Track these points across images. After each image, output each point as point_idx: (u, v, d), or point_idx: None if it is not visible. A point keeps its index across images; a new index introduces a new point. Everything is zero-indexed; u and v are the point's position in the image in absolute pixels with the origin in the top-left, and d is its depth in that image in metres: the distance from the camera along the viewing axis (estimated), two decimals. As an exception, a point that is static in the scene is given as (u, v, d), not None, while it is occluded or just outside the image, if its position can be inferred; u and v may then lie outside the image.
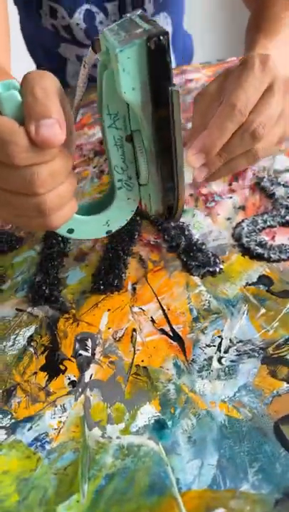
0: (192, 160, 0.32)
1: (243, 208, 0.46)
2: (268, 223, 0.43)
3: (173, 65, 0.80)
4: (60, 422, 0.28)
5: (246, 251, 0.40)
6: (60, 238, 0.45)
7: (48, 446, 0.27)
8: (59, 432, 0.28)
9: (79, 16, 0.66)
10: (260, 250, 0.39)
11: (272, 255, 0.39)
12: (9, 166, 0.26)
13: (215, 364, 0.30)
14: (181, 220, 0.45)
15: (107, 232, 0.35)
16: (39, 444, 0.27)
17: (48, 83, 0.26)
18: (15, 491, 0.25)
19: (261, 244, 0.40)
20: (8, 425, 0.29)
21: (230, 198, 0.47)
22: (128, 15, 0.28)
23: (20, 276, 0.42)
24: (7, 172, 0.26)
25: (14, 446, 0.27)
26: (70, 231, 0.33)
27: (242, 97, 0.31)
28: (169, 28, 0.75)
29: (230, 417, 0.27)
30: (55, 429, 0.28)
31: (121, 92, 0.26)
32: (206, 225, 0.44)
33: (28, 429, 0.28)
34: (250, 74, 0.31)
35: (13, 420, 0.29)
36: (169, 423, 0.27)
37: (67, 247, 0.45)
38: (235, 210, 0.46)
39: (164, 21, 0.72)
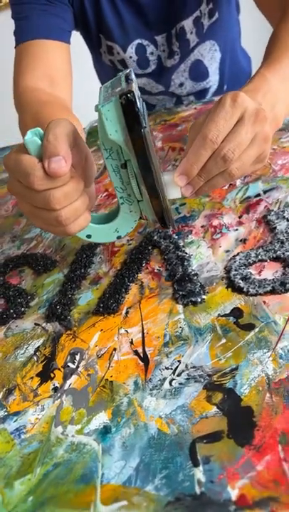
0: (177, 180, 0.41)
1: (244, 240, 0.49)
2: (260, 257, 0.46)
3: (225, 88, 0.85)
4: (37, 418, 0.37)
5: (231, 283, 0.44)
6: (83, 263, 0.54)
7: (22, 436, 0.35)
8: (34, 426, 0.36)
9: (131, 49, 0.76)
10: (241, 284, 0.43)
11: (250, 289, 0.42)
12: (33, 190, 0.37)
13: (166, 385, 0.36)
14: (187, 251, 0.51)
15: (117, 237, 0.46)
16: (17, 433, 0.36)
17: (59, 130, 0.36)
18: (-10, 465, 0.33)
19: (245, 278, 0.44)
20: (1, 416, 0.37)
21: (236, 230, 0.51)
22: (120, 73, 0.38)
23: (46, 296, 0.51)
24: (33, 194, 0.38)
25: (0, 432, 0.36)
26: (89, 236, 0.45)
27: (213, 129, 0.38)
28: (217, 55, 0.80)
29: (160, 431, 0.32)
30: (32, 423, 0.36)
31: (107, 134, 0.37)
32: (206, 256, 0.49)
33: (14, 421, 0.37)
34: (222, 109, 0.39)
35: (6, 413, 0.38)
36: (113, 429, 0.34)
37: (87, 272, 0.53)
38: (237, 242, 0.50)
39: (212, 49, 0.77)
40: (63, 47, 0.68)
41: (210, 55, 0.81)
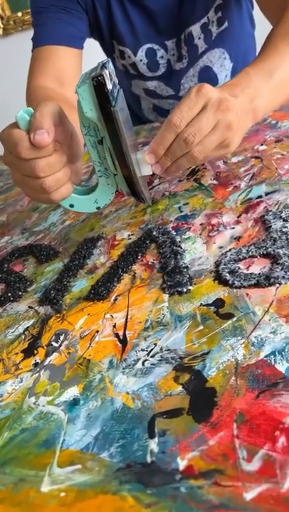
0: (147, 159, 0.47)
1: (238, 238, 0.50)
2: (250, 253, 0.47)
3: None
4: (14, 389, 0.38)
5: (218, 276, 0.45)
6: (82, 254, 0.56)
7: (-2, 404, 0.37)
8: (10, 395, 0.38)
9: (141, 53, 0.80)
10: (228, 277, 0.44)
11: (235, 282, 0.43)
12: (21, 159, 0.43)
13: (138, 365, 0.37)
14: (183, 246, 0.52)
15: (97, 208, 0.52)
16: (-6, 401, 0.38)
17: (46, 109, 0.43)
18: None
19: (232, 272, 0.45)
20: (-18, 385, 0.40)
21: (233, 228, 0.52)
22: (99, 62, 0.44)
23: (44, 282, 0.54)
24: (21, 163, 0.44)
25: (-21, 399, 0.38)
26: (71, 206, 0.51)
27: (177, 115, 0.44)
28: (227, 63, 0.82)
29: (124, 405, 0.33)
30: (9, 393, 0.38)
31: (84, 112, 0.43)
32: (200, 251, 0.50)
33: (-7, 390, 0.39)
34: (187, 98, 0.44)
35: (-13, 383, 0.40)
36: (81, 402, 0.35)
37: (85, 262, 0.55)
38: (231, 239, 0.50)
39: (221, 57, 0.80)
40: (74, 52, 0.73)
41: (219, 63, 0.83)
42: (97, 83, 0.40)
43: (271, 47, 0.52)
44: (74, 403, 0.35)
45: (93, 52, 0.89)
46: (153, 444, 0.30)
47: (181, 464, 0.28)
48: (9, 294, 0.52)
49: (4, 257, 0.62)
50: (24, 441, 0.33)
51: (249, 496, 0.25)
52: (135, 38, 0.79)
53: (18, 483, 0.30)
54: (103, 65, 0.42)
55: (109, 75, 0.43)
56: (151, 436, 0.30)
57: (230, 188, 0.61)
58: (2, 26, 1.91)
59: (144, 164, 0.48)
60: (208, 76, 0.85)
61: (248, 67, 0.50)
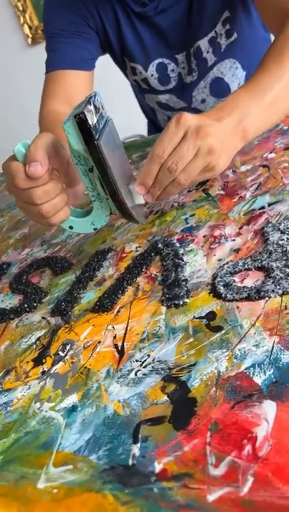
0: (138, 190, 0.51)
1: (237, 250, 0.53)
2: (246, 266, 0.49)
3: None
4: (23, 395, 0.43)
5: (214, 289, 0.48)
6: (93, 266, 0.60)
7: (8, 408, 0.42)
8: (18, 401, 0.43)
9: (152, 68, 0.83)
10: (222, 290, 0.47)
11: (228, 295, 0.46)
12: (19, 189, 0.48)
13: (132, 375, 0.41)
14: (185, 258, 0.55)
15: (94, 229, 0.57)
16: (5, 406, 0.42)
17: (40, 141, 0.48)
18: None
19: (227, 285, 0.48)
20: (-5, 391, 0.45)
21: (233, 240, 0.55)
22: (86, 95, 0.48)
23: (57, 294, 0.58)
24: (20, 192, 0.49)
25: (-8, 404, 0.43)
26: (71, 227, 0.56)
27: (159, 146, 0.48)
28: (239, 72, 0.84)
29: (115, 412, 0.37)
30: (18, 399, 0.43)
31: (71, 145, 0.47)
32: (200, 263, 0.53)
33: (5, 396, 0.44)
34: (167, 130, 0.48)
35: (0, 389, 0.45)
36: (79, 408, 0.39)
37: (95, 274, 0.59)
38: (230, 252, 0.53)
39: (232, 67, 0.82)
40: (84, 75, 0.78)
41: (231, 73, 0.85)
42: (79, 120, 0.44)
43: (263, 67, 0.54)
44: (72, 409, 0.39)
45: (108, 69, 0.94)
46: (136, 449, 0.33)
47: (157, 467, 0.31)
48: (26, 305, 0.57)
49: (24, 268, 0.68)
50: (27, 442, 0.37)
51: (211, 497, 0.28)
52: (145, 54, 0.82)
53: (19, 480, 0.34)
54: (88, 100, 0.46)
55: (95, 109, 0.47)
56: (135, 441, 0.34)
57: (235, 199, 0.64)
58: (30, 36, 1.99)
59: (137, 194, 0.52)
60: (219, 87, 0.87)
61: (239, 89, 0.53)
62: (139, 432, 0.35)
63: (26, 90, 2.19)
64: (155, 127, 1.03)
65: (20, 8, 1.92)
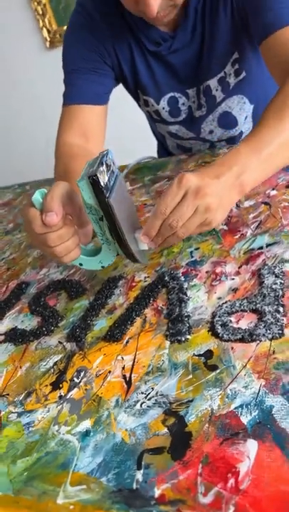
0: (142, 239, 0.58)
1: (235, 290, 0.59)
2: (242, 307, 0.56)
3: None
4: (43, 417, 0.50)
5: (212, 328, 0.54)
6: (105, 294, 0.67)
7: (30, 429, 0.49)
8: (39, 422, 0.50)
9: (163, 102, 0.89)
10: (219, 330, 0.53)
11: (225, 335, 0.53)
12: (36, 233, 0.55)
13: (137, 406, 0.48)
14: (188, 293, 0.62)
15: (102, 267, 0.64)
16: (27, 426, 0.50)
17: (56, 192, 0.55)
18: (4, 447, 0.47)
19: (224, 325, 0.54)
20: (19, 412, 0.52)
21: (233, 279, 0.61)
22: (98, 153, 0.55)
23: (72, 319, 0.65)
24: (37, 235, 0.56)
25: (16, 423, 0.50)
26: (80, 264, 0.64)
27: (162, 204, 0.54)
28: (246, 107, 0.90)
29: (123, 440, 0.44)
30: (38, 420, 0.50)
31: (84, 199, 0.54)
32: (202, 300, 0.60)
33: (27, 417, 0.51)
34: (170, 189, 0.54)
35: (22, 410, 0.52)
36: (92, 434, 0.46)
37: (107, 302, 0.66)
38: (229, 291, 0.60)
39: (240, 102, 0.87)
40: (99, 109, 0.84)
41: (238, 107, 0.91)
42: (92, 181, 0.51)
43: (263, 123, 0.60)
44: (86, 434, 0.46)
45: (123, 98, 1.00)
46: (139, 475, 0.40)
47: (157, 492, 0.38)
48: (44, 329, 0.64)
49: (42, 290, 0.74)
50: (47, 462, 0.45)
51: (199, 522, 0.35)
52: (158, 89, 0.88)
53: (41, 495, 0.41)
54: (100, 161, 0.52)
55: (107, 167, 0.54)
56: (139, 468, 0.41)
57: (237, 236, 0.70)
58: (49, 39, 2.04)
59: (141, 242, 0.59)
60: (227, 120, 0.93)
61: (240, 143, 0.59)
62: (142, 460, 0.41)
63: (43, 93, 2.25)
64: (164, 149, 1.09)
65: (40, 12, 1.97)
